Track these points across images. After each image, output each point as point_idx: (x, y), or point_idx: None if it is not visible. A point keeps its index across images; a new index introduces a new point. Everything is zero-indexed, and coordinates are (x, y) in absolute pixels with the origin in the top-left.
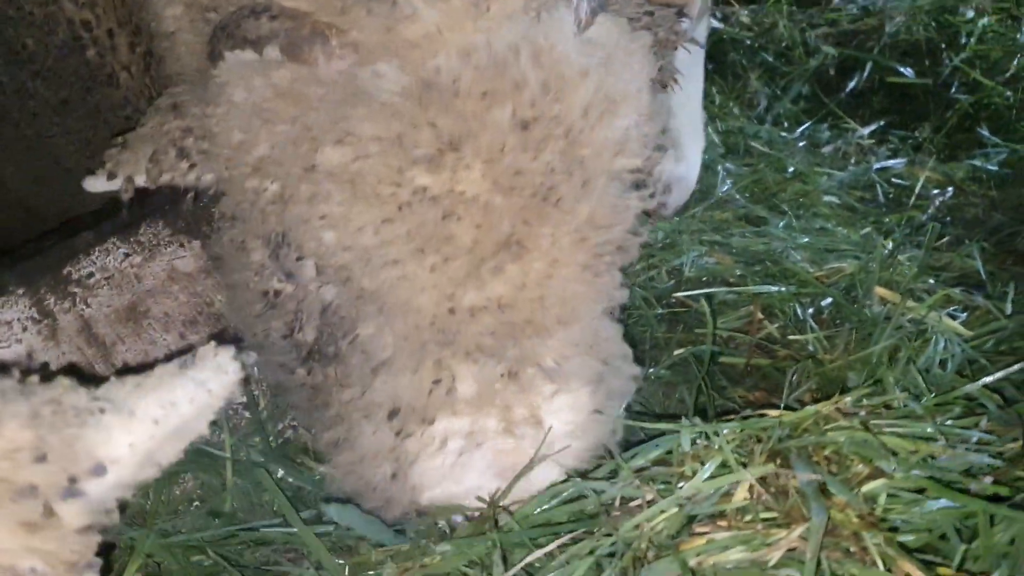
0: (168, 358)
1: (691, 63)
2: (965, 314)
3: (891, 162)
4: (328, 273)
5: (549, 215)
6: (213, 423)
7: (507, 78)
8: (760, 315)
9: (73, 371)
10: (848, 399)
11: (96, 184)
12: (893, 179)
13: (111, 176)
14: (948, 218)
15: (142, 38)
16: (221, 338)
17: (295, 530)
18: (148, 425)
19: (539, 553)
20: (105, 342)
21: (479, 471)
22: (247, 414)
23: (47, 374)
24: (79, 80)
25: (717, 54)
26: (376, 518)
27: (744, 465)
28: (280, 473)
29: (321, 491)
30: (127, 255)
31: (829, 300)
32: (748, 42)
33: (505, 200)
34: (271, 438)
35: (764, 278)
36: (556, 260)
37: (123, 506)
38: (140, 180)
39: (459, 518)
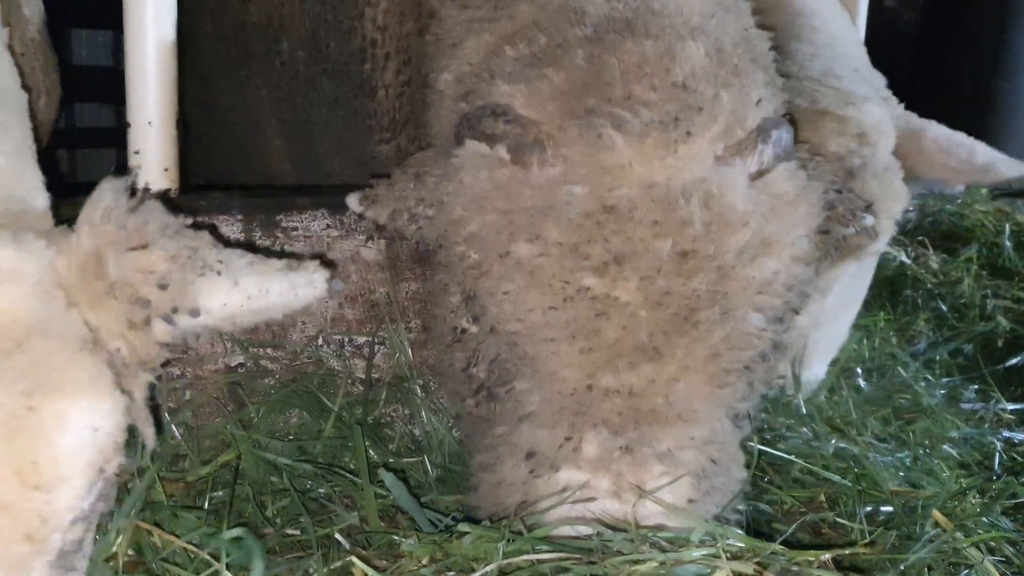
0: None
1: (855, 286)
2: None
3: (1020, 436)
4: (501, 333)
5: (687, 332)
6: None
7: (676, 215)
8: (823, 498)
9: None
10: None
11: (352, 205)
12: (1015, 454)
13: (359, 211)
14: None
15: (408, 70)
16: (325, 263)
17: (359, 481)
18: (242, 297)
19: (528, 557)
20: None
21: (587, 524)
22: (360, 388)
23: (199, 224)
24: (352, 86)
25: (896, 286)
26: (418, 502)
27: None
28: (367, 444)
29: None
30: (328, 226)
31: (890, 508)
32: (929, 286)
33: (650, 312)
34: (371, 418)
35: (842, 472)
36: (687, 367)
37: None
38: (381, 223)
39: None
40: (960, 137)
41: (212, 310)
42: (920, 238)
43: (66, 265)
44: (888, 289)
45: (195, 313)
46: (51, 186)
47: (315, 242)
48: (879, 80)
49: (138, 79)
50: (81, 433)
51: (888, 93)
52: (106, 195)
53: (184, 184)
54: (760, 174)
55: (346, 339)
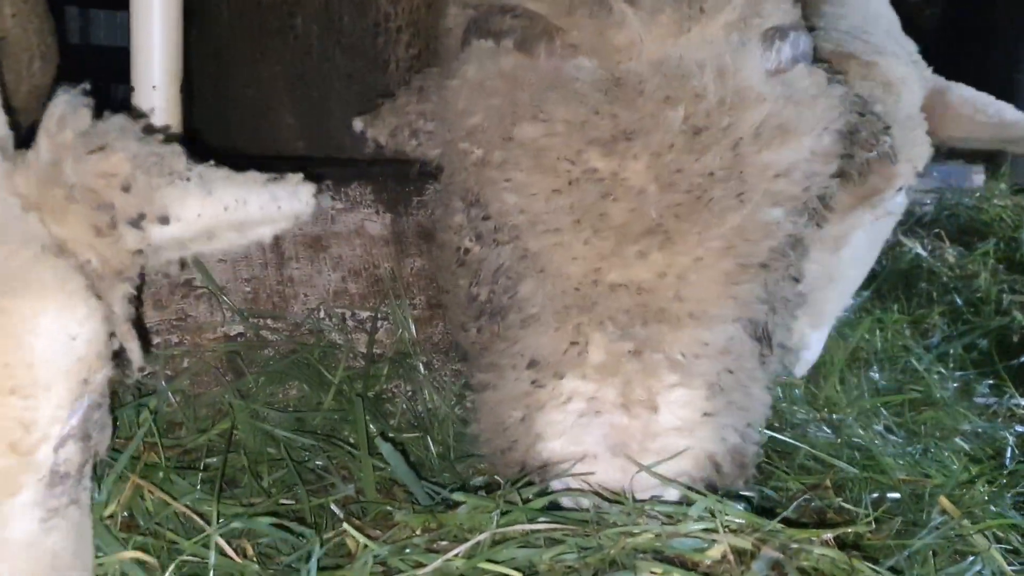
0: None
1: (867, 246)
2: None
3: None
4: (503, 231)
5: (700, 216)
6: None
7: (688, 87)
8: (829, 484)
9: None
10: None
11: (356, 126)
12: None
13: (363, 131)
14: None
15: (418, 41)
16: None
17: (357, 453)
18: (218, 207)
19: (522, 528)
20: (284, 254)
21: (593, 439)
22: (362, 362)
23: (170, 136)
24: (367, 60)
25: (911, 279)
26: (416, 474)
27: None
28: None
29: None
30: (333, 198)
31: (897, 496)
32: (944, 279)
33: (660, 192)
34: (372, 392)
35: (851, 460)
36: (699, 259)
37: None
38: (382, 142)
39: (559, 484)
40: (987, 96)
41: (184, 218)
42: (937, 231)
43: (25, 177)
44: (903, 282)
45: (164, 220)
46: None
47: (319, 214)
48: (911, 45)
49: (143, 42)
50: (55, 338)
51: (919, 58)
52: (61, 105)
53: (188, 151)
54: (777, 72)
55: (348, 313)
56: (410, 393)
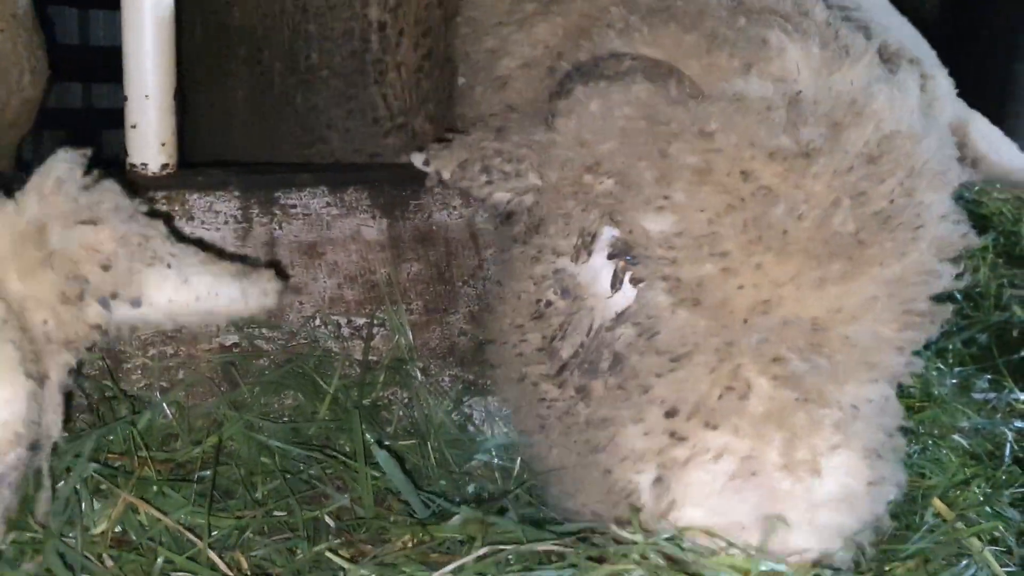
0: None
1: None
2: (1013, 567)
3: None
4: (644, 267)
5: (883, 244)
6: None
7: (864, 113)
8: None
9: None
10: None
11: (416, 160)
12: None
13: (426, 163)
14: None
15: (427, 42)
16: (281, 273)
17: (352, 463)
18: (190, 296)
19: (512, 549)
20: (280, 261)
21: (749, 506)
22: (358, 370)
23: (154, 212)
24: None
25: None
26: (411, 482)
27: None
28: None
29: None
30: (328, 204)
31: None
32: None
33: (850, 211)
34: (368, 400)
35: None
36: (875, 298)
37: None
38: (446, 176)
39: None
40: (1001, 135)
41: (156, 303)
42: None
43: (1, 230)
44: None
45: (136, 303)
46: None
47: (314, 220)
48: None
49: (135, 52)
50: None
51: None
52: (60, 165)
53: (181, 159)
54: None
55: (345, 320)
56: (407, 400)
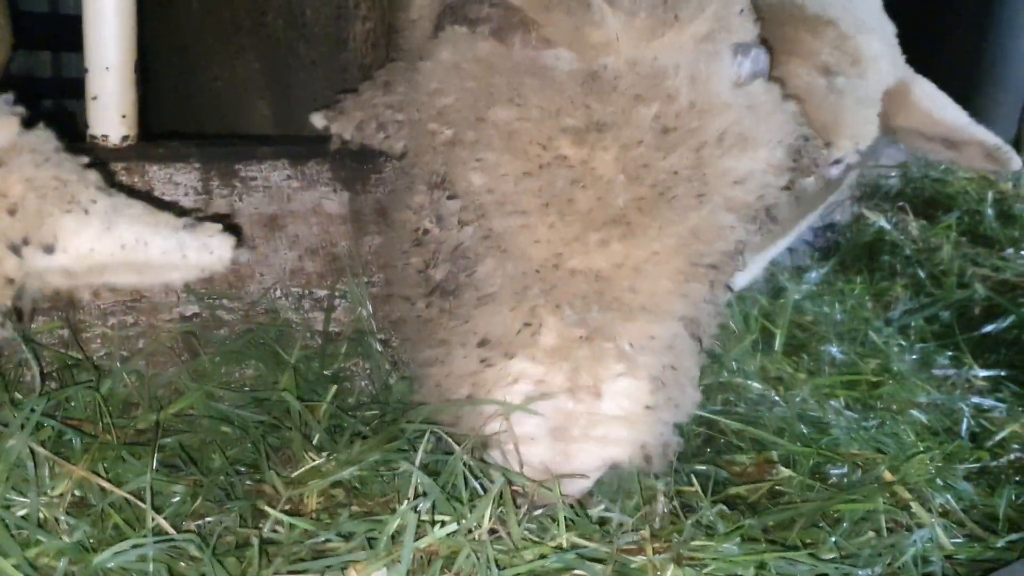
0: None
1: (808, 201)
2: (962, 539)
3: (989, 403)
4: (468, 211)
5: (662, 211)
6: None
7: (662, 88)
8: (774, 459)
9: None
10: None
11: (317, 122)
12: (983, 420)
13: (325, 127)
14: (1017, 477)
15: (373, 14)
16: (235, 232)
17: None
18: (114, 245)
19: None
20: (240, 234)
21: (536, 421)
22: (319, 341)
23: (95, 163)
24: (329, 44)
25: (874, 251)
26: None
27: None
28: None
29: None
30: (289, 177)
31: (846, 469)
32: (908, 252)
33: (628, 183)
34: (330, 371)
35: (802, 436)
36: (656, 253)
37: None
38: (347, 137)
39: (498, 458)
40: (948, 98)
41: (73, 251)
42: (901, 204)
43: None
44: (866, 254)
45: (49, 249)
46: None
47: (275, 192)
48: (891, 27)
49: (96, 23)
50: None
51: (895, 41)
52: None
53: (144, 132)
54: (739, 84)
55: (306, 292)
56: (368, 371)
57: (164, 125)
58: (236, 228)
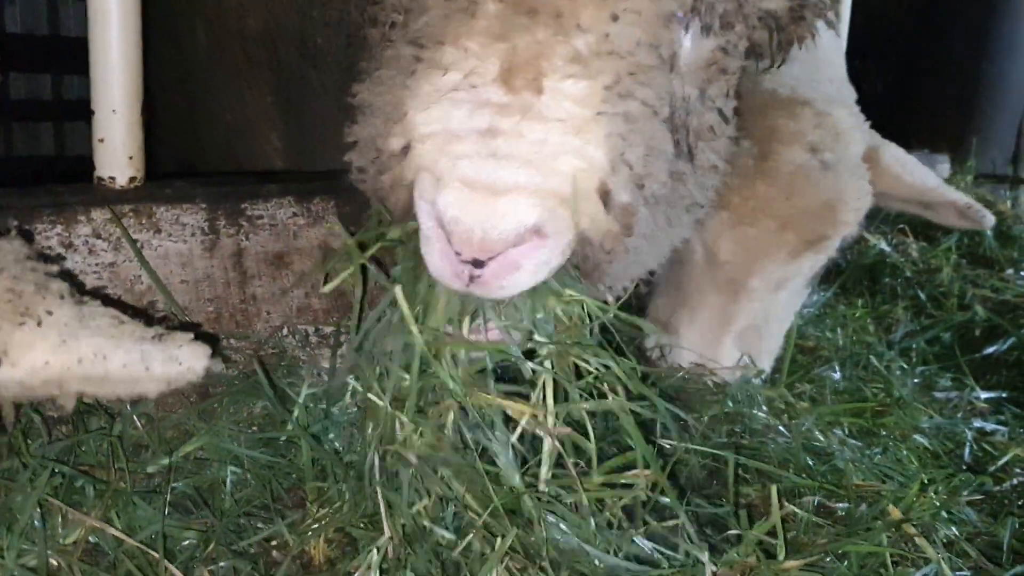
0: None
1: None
2: (968, 573)
3: (991, 426)
4: None
5: None
6: None
7: None
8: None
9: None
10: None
11: None
12: (986, 444)
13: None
14: (1020, 502)
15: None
16: (210, 340)
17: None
18: (71, 360)
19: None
20: (247, 272)
21: (463, 113)
22: (326, 377)
23: (63, 273)
24: (340, 72)
25: (875, 274)
26: None
27: None
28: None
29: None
30: (295, 214)
31: (847, 504)
32: (908, 274)
33: None
34: (340, 414)
35: (807, 468)
36: None
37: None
38: None
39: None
40: (914, 159)
41: (26, 364)
42: (901, 226)
43: None
44: (867, 277)
45: None
46: None
47: (281, 230)
48: (850, 95)
49: (103, 67)
50: None
51: (857, 109)
52: None
53: (149, 173)
54: None
55: (312, 329)
56: None
57: (170, 161)
58: (212, 337)
